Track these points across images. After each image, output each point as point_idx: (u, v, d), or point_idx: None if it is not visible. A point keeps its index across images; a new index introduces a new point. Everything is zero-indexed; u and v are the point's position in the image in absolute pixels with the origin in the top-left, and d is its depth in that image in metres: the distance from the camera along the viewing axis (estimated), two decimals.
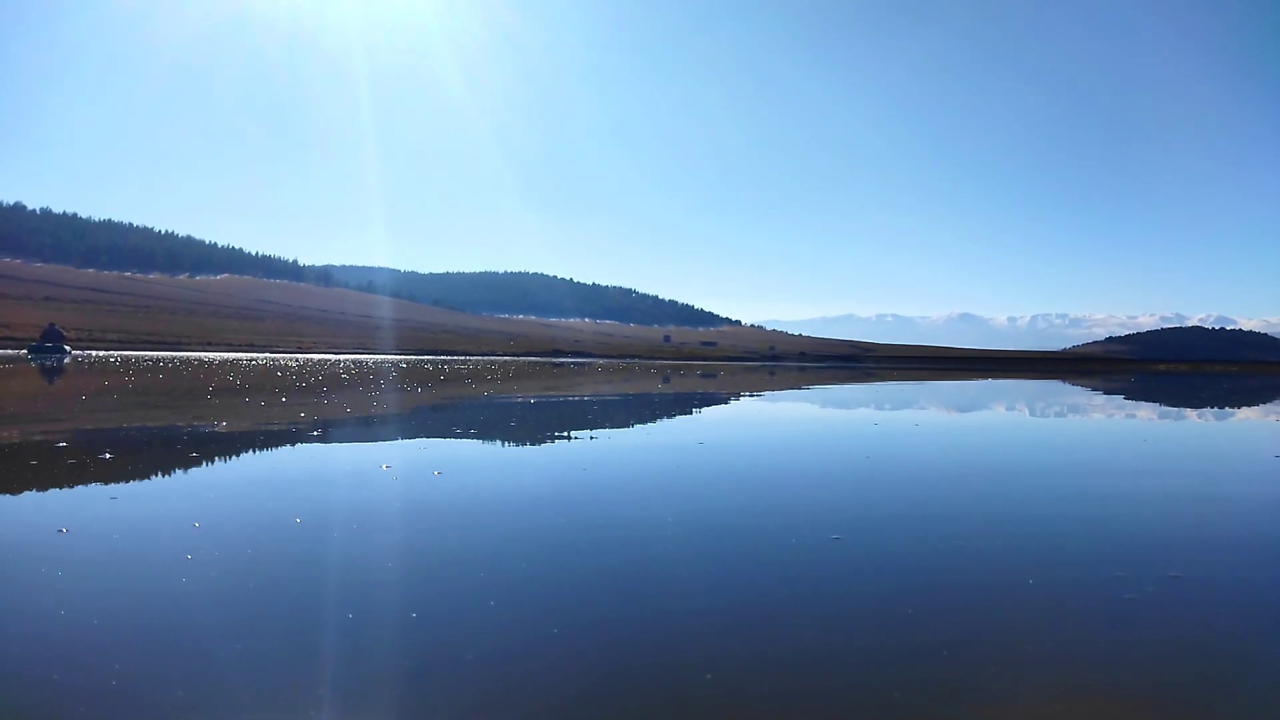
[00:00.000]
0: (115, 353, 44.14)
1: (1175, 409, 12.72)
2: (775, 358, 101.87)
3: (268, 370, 20.73)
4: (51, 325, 35.03)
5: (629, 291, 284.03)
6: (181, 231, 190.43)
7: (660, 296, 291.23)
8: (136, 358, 33.10)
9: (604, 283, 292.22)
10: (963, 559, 2.76)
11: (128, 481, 3.88)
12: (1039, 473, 5.15)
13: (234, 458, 4.89)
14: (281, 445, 5.47)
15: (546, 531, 3.00)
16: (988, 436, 7.64)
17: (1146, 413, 11.63)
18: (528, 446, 5.83)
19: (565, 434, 6.70)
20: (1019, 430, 8.43)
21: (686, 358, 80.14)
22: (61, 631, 1.88)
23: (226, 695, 1.60)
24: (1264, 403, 14.91)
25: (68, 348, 34.80)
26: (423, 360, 43.65)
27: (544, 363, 44.08)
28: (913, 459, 5.65)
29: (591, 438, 6.43)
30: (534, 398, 11.75)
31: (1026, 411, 11.36)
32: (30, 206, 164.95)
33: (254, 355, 46.66)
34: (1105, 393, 17.56)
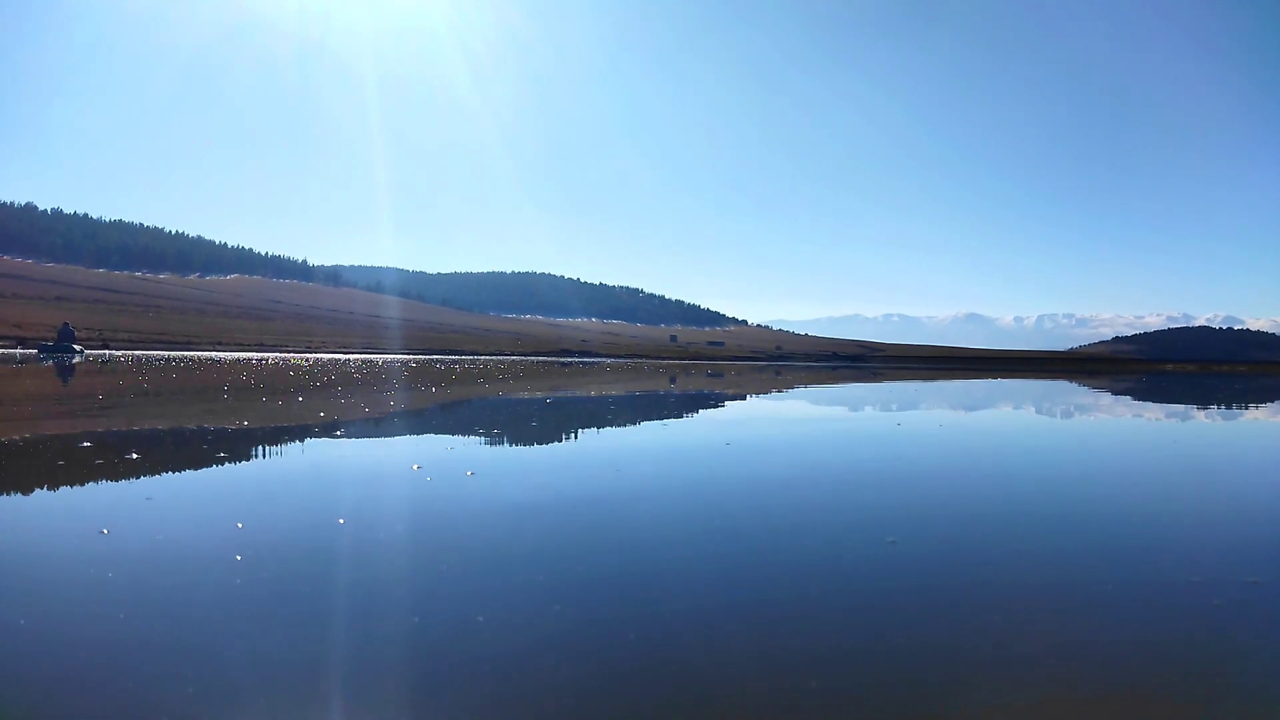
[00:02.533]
0: (127, 352, 44.29)
1: (1197, 410, 12.62)
2: (782, 357, 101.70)
3: (279, 370, 20.77)
4: (65, 325, 35.26)
5: (636, 291, 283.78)
6: (192, 232, 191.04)
7: (667, 296, 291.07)
8: (148, 357, 33.20)
9: (611, 282, 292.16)
10: (1032, 562, 2.70)
11: (159, 482, 3.86)
12: (1080, 473, 5.10)
13: (262, 458, 4.87)
14: (307, 445, 5.45)
15: (597, 532, 2.96)
16: (1016, 437, 7.58)
17: (1170, 414, 11.54)
18: (555, 447, 5.81)
19: (588, 434, 6.68)
20: (1045, 431, 8.38)
21: (693, 357, 79.98)
22: (129, 635, 1.85)
23: (303, 695, 1.57)
24: None
25: (78, 347, 34.92)
26: (432, 360, 43.69)
27: (552, 362, 44.08)
28: (947, 459, 5.59)
29: (616, 438, 6.41)
30: (549, 397, 11.74)
31: (1047, 412, 11.28)
32: (41, 207, 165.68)
33: (264, 355, 46.76)
34: (1120, 394, 17.45)
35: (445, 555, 2.57)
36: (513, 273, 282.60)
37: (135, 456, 4.58)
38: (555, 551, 2.66)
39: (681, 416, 8.86)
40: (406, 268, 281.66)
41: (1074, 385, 21.59)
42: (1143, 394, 17.27)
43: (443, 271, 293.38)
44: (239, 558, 2.45)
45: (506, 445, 5.64)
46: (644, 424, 7.71)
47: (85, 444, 5.12)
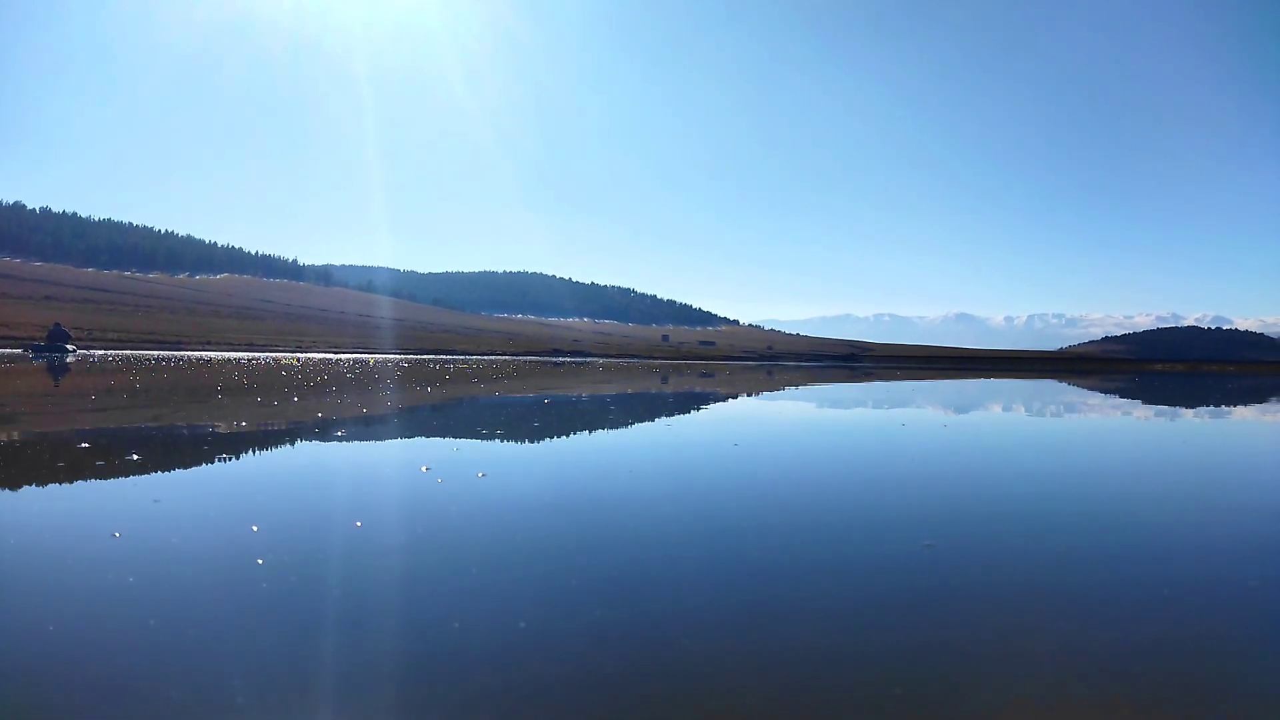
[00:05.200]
0: (117, 352, 43.98)
1: (1201, 409, 12.66)
2: (774, 357, 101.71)
3: (271, 370, 20.63)
4: (57, 325, 35.61)
5: (628, 291, 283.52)
6: (181, 231, 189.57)
7: (659, 296, 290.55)
8: (138, 357, 32.99)
9: (603, 282, 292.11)
10: (1079, 567, 2.64)
11: (165, 484, 3.80)
12: (1103, 472, 5.11)
13: (265, 459, 4.82)
14: (310, 446, 5.39)
15: (624, 534, 2.92)
16: (1023, 437, 7.57)
17: (1172, 413, 11.58)
18: (563, 448, 5.77)
19: (593, 435, 6.65)
20: (1052, 431, 8.37)
21: (685, 357, 79.90)
22: (166, 639, 1.80)
23: (351, 699, 1.53)
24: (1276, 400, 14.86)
25: (71, 347, 34.99)
26: (424, 359, 43.52)
27: (544, 362, 43.97)
28: (962, 460, 5.58)
29: (622, 439, 6.38)
30: (547, 397, 11.69)
31: (1049, 412, 11.29)
32: (30, 205, 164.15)
33: (255, 355, 46.48)
34: (1117, 394, 17.51)
35: (472, 559, 2.52)
36: (504, 272, 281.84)
37: (136, 458, 4.51)
38: (586, 554, 2.62)
39: (684, 417, 8.84)
40: (398, 267, 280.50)
41: (1067, 385, 21.65)
42: (1139, 394, 17.33)
43: (434, 271, 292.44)
44: (260, 561, 2.39)
45: (513, 446, 5.59)
46: (647, 424, 7.68)
47: (83, 445, 5.04)
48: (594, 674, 1.70)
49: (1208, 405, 13.64)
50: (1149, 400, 14.88)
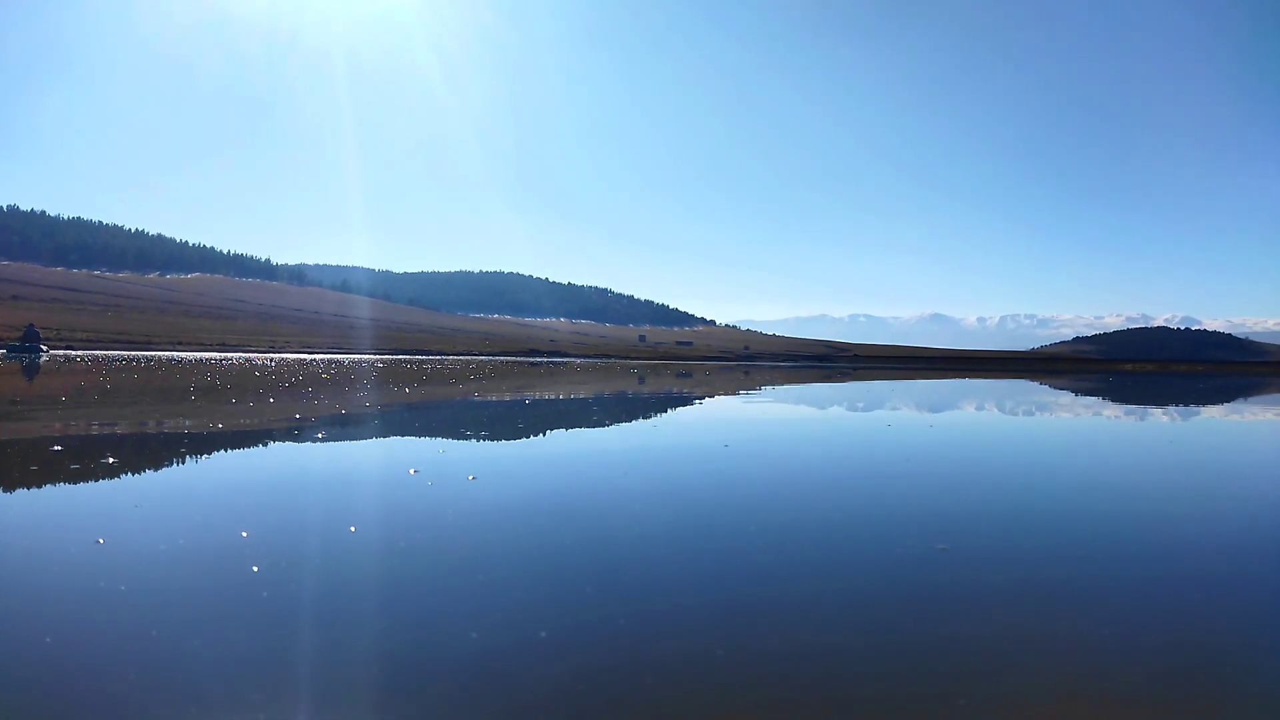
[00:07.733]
0: (88, 352, 43.20)
1: (1179, 409, 12.80)
2: (751, 358, 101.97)
3: (245, 370, 20.32)
4: (30, 325, 36.24)
5: (605, 291, 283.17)
6: (152, 229, 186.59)
7: (636, 296, 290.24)
8: (109, 357, 32.45)
9: (580, 282, 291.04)
10: (1105, 571, 2.57)
11: (143, 488, 3.68)
12: (1097, 472, 5.12)
13: (249, 463, 4.70)
14: (292, 449, 5.28)
15: (630, 535, 2.86)
16: (1012, 438, 7.60)
17: (1143, 412, 11.70)
18: (552, 449, 5.69)
19: (580, 436, 6.59)
20: (1038, 431, 8.42)
21: (662, 357, 79.85)
22: (172, 649, 1.71)
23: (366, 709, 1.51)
24: (1255, 398, 15.06)
25: (44, 347, 34.96)
26: (400, 360, 43.14)
27: (522, 362, 43.76)
28: (956, 460, 5.57)
29: (611, 440, 6.32)
30: (528, 398, 11.60)
31: (1029, 411, 11.38)
32: None
33: (227, 355, 45.85)
34: (1091, 394, 17.69)
35: (474, 563, 2.45)
36: (481, 272, 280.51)
37: (111, 461, 4.36)
38: (590, 557, 2.56)
39: (669, 417, 8.78)
40: (373, 267, 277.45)
41: (1041, 385, 21.85)
42: (1114, 394, 17.53)
43: (410, 271, 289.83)
44: (255, 569, 2.30)
45: (499, 447, 5.52)
46: (634, 425, 7.62)
47: (55, 447, 4.89)
48: (602, 676, 1.65)
49: (1186, 405, 13.80)
50: (1125, 400, 15.05)
